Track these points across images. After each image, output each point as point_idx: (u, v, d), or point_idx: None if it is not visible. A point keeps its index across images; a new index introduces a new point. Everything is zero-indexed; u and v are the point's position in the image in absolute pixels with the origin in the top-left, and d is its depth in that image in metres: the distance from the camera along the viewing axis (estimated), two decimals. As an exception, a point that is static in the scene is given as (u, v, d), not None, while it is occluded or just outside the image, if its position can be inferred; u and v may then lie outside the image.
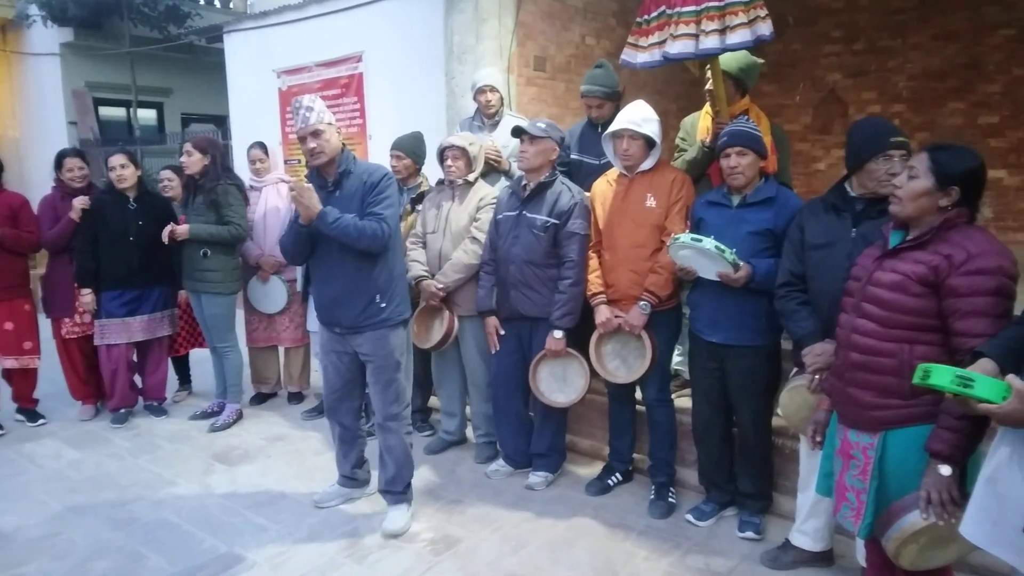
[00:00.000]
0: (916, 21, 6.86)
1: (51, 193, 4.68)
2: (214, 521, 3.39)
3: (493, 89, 4.19)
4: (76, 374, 4.79)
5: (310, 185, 2.99)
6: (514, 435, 3.82)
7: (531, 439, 3.77)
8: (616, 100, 3.79)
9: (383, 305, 3.11)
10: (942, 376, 1.63)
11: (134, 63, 10.78)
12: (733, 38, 2.96)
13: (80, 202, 4.43)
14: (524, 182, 3.52)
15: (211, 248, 4.38)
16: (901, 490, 2.01)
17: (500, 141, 4.09)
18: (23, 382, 4.73)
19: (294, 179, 5.09)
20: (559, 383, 3.56)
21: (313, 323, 4.62)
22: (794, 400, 2.67)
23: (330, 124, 3.05)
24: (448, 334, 3.83)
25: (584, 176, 3.76)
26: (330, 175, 3.12)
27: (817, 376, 2.52)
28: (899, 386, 2.01)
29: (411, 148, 4.19)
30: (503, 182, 4.14)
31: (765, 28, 2.95)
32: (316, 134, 3.01)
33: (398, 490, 3.31)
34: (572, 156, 3.90)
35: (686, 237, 2.84)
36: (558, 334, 3.43)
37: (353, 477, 3.57)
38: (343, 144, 3.15)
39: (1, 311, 4.50)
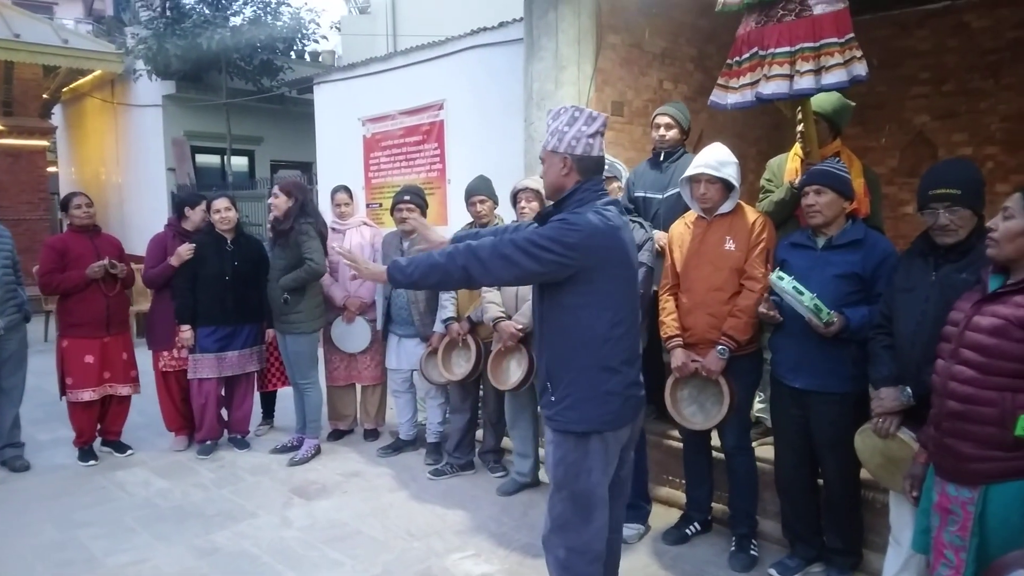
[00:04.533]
0: (1009, 61, 6.61)
1: (163, 232, 5.00)
2: (292, 554, 3.46)
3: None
4: (173, 405, 4.99)
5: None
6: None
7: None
8: (684, 132, 3.87)
9: None
10: None
11: (229, 113, 11.40)
12: (829, 78, 2.93)
13: (186, 251, 4.66)
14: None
15: (293, 292, 4.54)
16: (1004, 548, 1.89)
17: None
18: (118, 413, 4.95)
19: (374, 225, 5.28)
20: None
21: (392, 361, 4.73)
22: (866, 445, 2.64)
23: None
24: (529, 375, 3.84)
25: (650, 212, 3.83)
26: None
27: (883, 420, 2.53)
28: (1001, 437, 1.90)
29: (490, 190, 4.28)
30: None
31: (861, 68, 2.91)
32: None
33: None
34: (636, 194, 3.92)
35: (790, 284, 2.74)
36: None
37: None
38: None
39: (117, 343, 4.78)
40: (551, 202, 2.43)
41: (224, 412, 5.09)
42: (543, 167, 2.39)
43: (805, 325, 2.81)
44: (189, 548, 3.53)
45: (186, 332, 4.69)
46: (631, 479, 2.62)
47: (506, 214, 4.37)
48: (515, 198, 3.91)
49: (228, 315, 4.73)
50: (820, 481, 3.10)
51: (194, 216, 4.90)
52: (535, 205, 3.83)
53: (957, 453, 2.02)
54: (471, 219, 4.33)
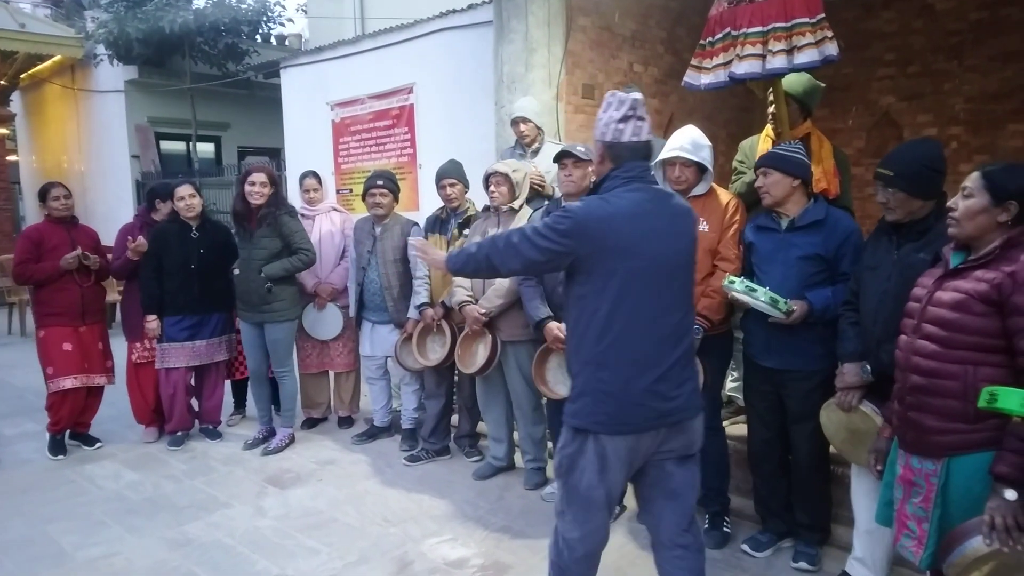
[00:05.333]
0: (972, 43, 6.71)
1: (132, 222, 4.94)
2: (267, 543, 3.43)
3: (526, 120, 4.25)
4: (144, 397, 4.92)
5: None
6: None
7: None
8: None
9: None
10: (1010, 399, 1.57)
11: (194, 99, 11.19)
12: (801, 58, 2.95)
13: (138, 246, 4.58)
14: (563, 204, 3.52)
15: (277, 281, 4.48)
16: (965, 518, 1.94)
17: (541, 167, 4.14)
18: (91, 405, 4.87)
19: (344, 211, 5.23)
20: (564, 376, 3.52)
21: (366, 348, 4.71)
22: (831, 420, 2.70)
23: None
24: (491, 359, 3.84)
25: None
26: None
27: (845, 395, 2.59)
28: (963, 409, 1.94)
29: (460, 174, 4.26)
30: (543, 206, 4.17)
31: (832, 48, 2.94)
32: None
33: None
34: None
35: (741, 285, 2.79)
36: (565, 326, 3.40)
37: None
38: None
39: (93, 333, 4.74)
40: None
41: (195, 402, 5.03)
42: None
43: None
44: (161, 540, 3.50)
45: (152, 322, 4.62)
46: (686, 498, 2.31)
47: (477, 198, 4.35)
48: (486, 182, 3.89)
49: (195, 304, 4.66)
50: (791, 458, 3.15)
51: (164, 209, 4.82)
52: (504, 190, 3.82)
53: (921, 426, 2.06)
54: (442, 203, 4.31)
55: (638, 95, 2.23)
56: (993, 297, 1.92)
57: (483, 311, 3.81)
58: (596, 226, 2.10)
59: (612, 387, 2.12)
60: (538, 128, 4.32)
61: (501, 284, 3.76)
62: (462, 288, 3.93)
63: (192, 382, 4.93)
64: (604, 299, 2.11)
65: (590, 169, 3.42)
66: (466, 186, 4.28)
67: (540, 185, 4.10)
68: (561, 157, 3.43)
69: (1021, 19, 6.39)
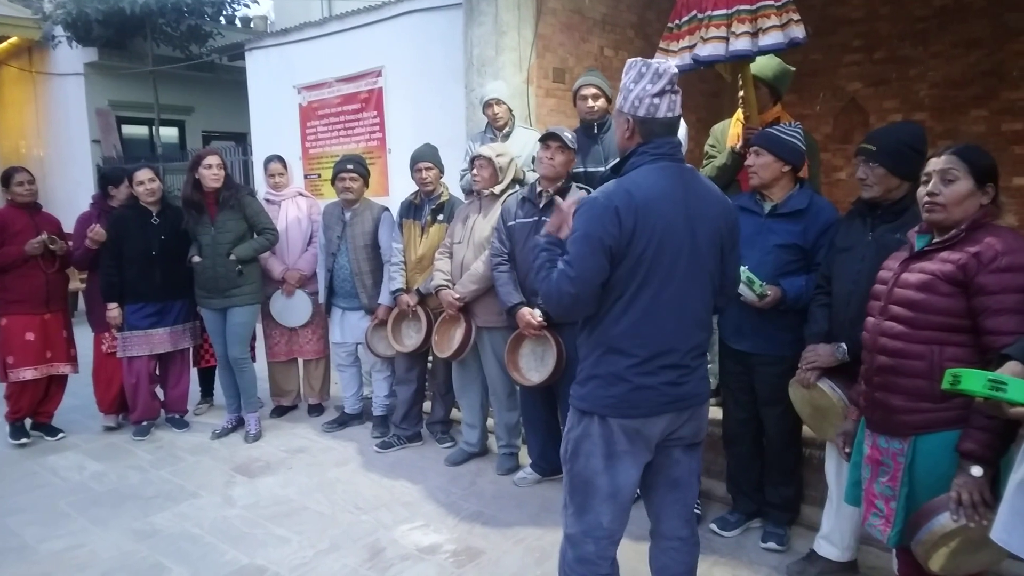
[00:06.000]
0: (937, 29, 6.80)
1: (89, 210, 4.80)
2: (236, 533, 3.39)
3: (499, 102, 4.20)
4: (111, 389, 4.82)
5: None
6: (541, 442, 3.80)
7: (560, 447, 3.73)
8: (609, 101, 3.79)
9: None
10: (973, 381, 1.59)
11: (156, 82, 10.92)
12: (766, 40, 2.94)
13: (96, 235, 4.47)
14: (539, 189, 3.51)
15: (246, 263, 4.43)
16: (931, 496, 1.96)
17: (512, 152, 4.09)
18: (54, 394, 4.77)
19: (311, 196, 5.15)
20: (536, 363, 3.56)
21: (336, 335, 4.66)
22: (796, 396, 2.74)
23: None
24: (465, 343, 3.82)
25: (595, 185, 3.73)
26: None
27: (805, 372, 2.62)
28: (929, 389, 1.96)
29: (436, 158, 4.21)
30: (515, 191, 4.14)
31: (798, 31, 2.93)
32: None
33: None
34: (577, 169, 3.87)
35: None
36: (538, 313, 3.43)
37: None
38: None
39: (57, 321, 4.67)
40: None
41: (160, 392, 4.93)
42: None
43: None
44: (127, 531, 3.43)
45: (113, 310, 4.51)
46: (690, 488, 2.26)
47: (451, 180, 4.31)
48: (470, 164, 3.85)
49: (157, 291, 4.56)
50: (764, 439, 3.19)
51: (119, 194, 4.72)
52: (487, 174, 3.79)
53: (888, 406, 2.08)
54: (416, 187, 4.26)
55: (675, 68, 2.08)
56: (959, 277, 1.94)
57: (457, 296, 3.79)
58: (642, 209, 1.96)
59: (624, 370, 2.03)
60: (510, 111, 4.28)
61: (476, 269, 3.74)
62: (441, 272, 3.90)
63: (157, 371, 4.83)
64: (629, 284, 2.00)
65: (572, 157, 3.42)
66: (441, 171, 4.24)
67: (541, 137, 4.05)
68: (547, 139, 3.39)
69: (985, 6, 6.49)
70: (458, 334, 3.88)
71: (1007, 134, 6.53)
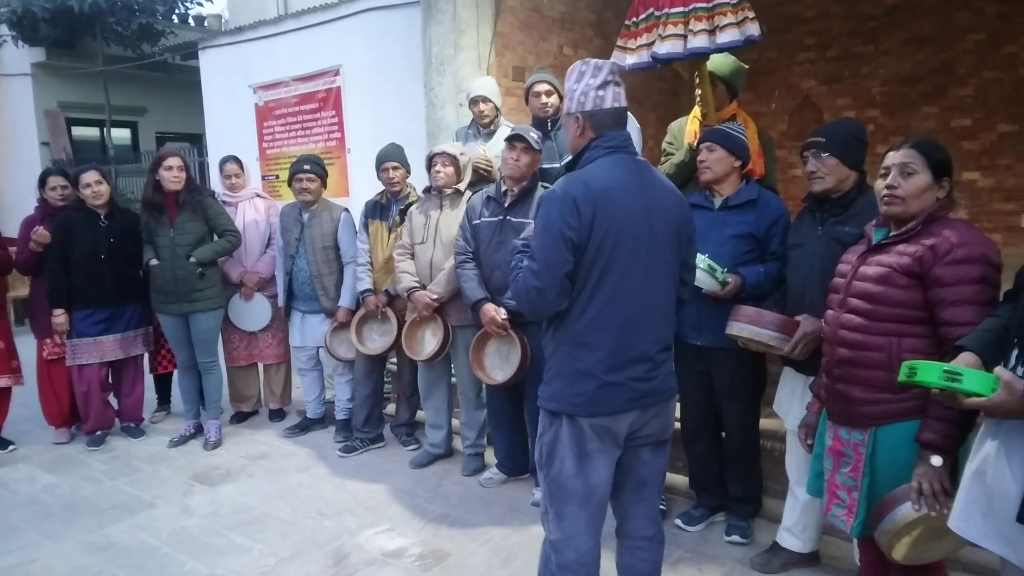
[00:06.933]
0: (887, 27, 6.96)
1: (33, 214, 4.62)
2: (195, 543, 3.31)
3: (487, 100, 4.12)
4: (56, 397, 4.67)
5: None
6: (507, 442, 3.78)
7: (526, 447, 3.73)
8: (562, 98, 3.76)
9: None
10: (929, 372, 1.61)
11: (107, 82, 10.67)
12: (722, 38, 2.97)
13: (40, 236, 4.32)
14: (504, 188, 3.49)
15: (207, 266, 4.32)
16: (892, 486, 1.99)
17: (494, 151, 4.04)
18: (1, 407, 4.60)
19: (268, 197, 5.07)
20: (502, 361, 3.55)
21: (296, 339, 4.58)
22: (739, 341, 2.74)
23: None
24: (444, 344, 3.79)
25: (550, 183, 3.74)
26: None
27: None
28: (888, 380, 1.99)
29: (402, 157, 4.16)
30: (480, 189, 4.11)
31: (754, 29, 2.97)
32: None
33: None
34: None
35: None
36: (503, 311, 3.42)
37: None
38: None
39: None
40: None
41: (114, 400, 4.80)
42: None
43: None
44: (81, 545, 3.33)
45: (59, 316, 4.36)
46: (656, 487, 2.28)
47: (419, 181, 4.26)
48: (430, 162, 3.81)
49: (107, 296, 4.43)
50: (723, 434, 3.21)
51: (48, 194, 4.55)
52: (450, 171, 3.76)
53: (848, 398, 2.11)
54: (381, 187, 4.20)
55: (613, 61, 2.14)
56: (915, 270, 1.97)
57: (434, 296, 3.75)
58: (600, 199, 1.97)
59: (591, 366, 2.02)
60: (497, 109, 4.21)
61: (451, 269, 3.71)
62: (407, 274, 3.85)
63: (109, 378, 4.70)
64: (589, 277, 2.00)
65: (537, 158, 3.42)
66: (408, 170, 4.19)
67: (487, 170, 4.00)
68: (513, 140, 3.37)
69: (934, 4, 6.66)
70: (430, 335, 3.85)
71: (956, 130, 6.71)
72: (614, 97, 2.08)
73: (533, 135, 3.40)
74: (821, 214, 2.58)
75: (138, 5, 10.58)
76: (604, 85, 2.07)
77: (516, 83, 5.47)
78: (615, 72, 2.09)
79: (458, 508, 3.56)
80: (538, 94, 3.77)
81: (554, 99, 3.75)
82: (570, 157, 2.18)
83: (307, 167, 4.34)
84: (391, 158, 4.11)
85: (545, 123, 3.81)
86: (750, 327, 2.59)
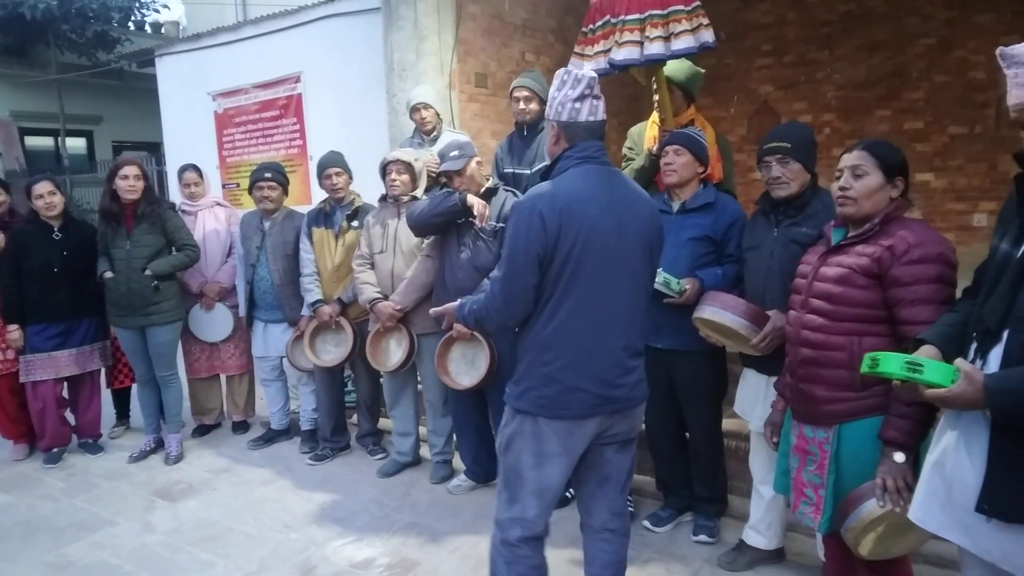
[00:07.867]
0: (841, 33, 7.12)
1: None
2: (157, 560, 3.23)
3: (427, 106, 4.17)
4: (6, 412, 4.53)
5: None
6: (474, 448, 3.76)
7: (493, 452, 3.70)
8: (543, 103, 3.79)
9: None
10: (891, 363, 1.63)
11: (62, 91, 10.44)
12: (678, 44, 3.01)
13: None
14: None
15: (163, 279, 4.23)
16: (857, 482, 2.02)
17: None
18: None
19: (229, 206, 4.99)
20: (467, 366, 3.54)
21: (259, 348, 4.51)
22: (703, 330, 2.76)
23: None
24: (411, 355, 3.76)
25: (521, 187, 3.75)
26: None
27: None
28: (850, 379, 2.03)
29: (344, 163, 4.14)
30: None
31: (708, 35, 3.02)
32: None
33: None
34: (506, 170, 3.88)
35: None
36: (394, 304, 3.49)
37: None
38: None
39: None
40: None
41: (71, 416, 4.67)
42: None
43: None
44: (39, 565, 3.22)
45: (13, 332, 4.24)
46: (620, 485, 2.32)
47: (365, 189, 4.24)
48: (385, 170, 3.79)
49: (61, 310, 4.31)
50: (688, 435, 3.24)
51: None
52: (406, 179, 3.75)
53: (812, 397, 2.14)
54: (326, 194, 4.17)
55: (593, 73, 2.17)
56: (874, 270, 2.01)
57: (398, 307, 3.72)
58: (566, 211, 2.02)
59: (555, 371, 2.07)
60: (438, 115, 4.24)
61: (415, 278, 3.68)
62: (369, 285, 3.81)
63: (65, 394, 4.58)
64: (557, 284, 2.05)
65: (474, 168, 3.44)
66: (350, 176, 4.16)
67: (436, 173, 4.02)
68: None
69: (886, 11, 6.83)
70: (394, 345, 3.82)
71: (909, 132, 6.88)
72: (590, 111, 2.13)
73: (453, 153, 3.42)
74: (776, 216, 2.61)
75: (93, 12, 10.37)
76: (581, 98, 2.12)
77: (479, 89, 5.49)
78: (593, 86, 2.13)
79: (427, 516, 3.53)
80: (517, 99, 3.80)
81: (533, 105, 3.75)
82: (542, 164, 2.21)
83: (268, 175, 4.28)
84: (333, 164, 4.08)
85: (522, 128, 3.83)
86: (723, 312, 2.57)
